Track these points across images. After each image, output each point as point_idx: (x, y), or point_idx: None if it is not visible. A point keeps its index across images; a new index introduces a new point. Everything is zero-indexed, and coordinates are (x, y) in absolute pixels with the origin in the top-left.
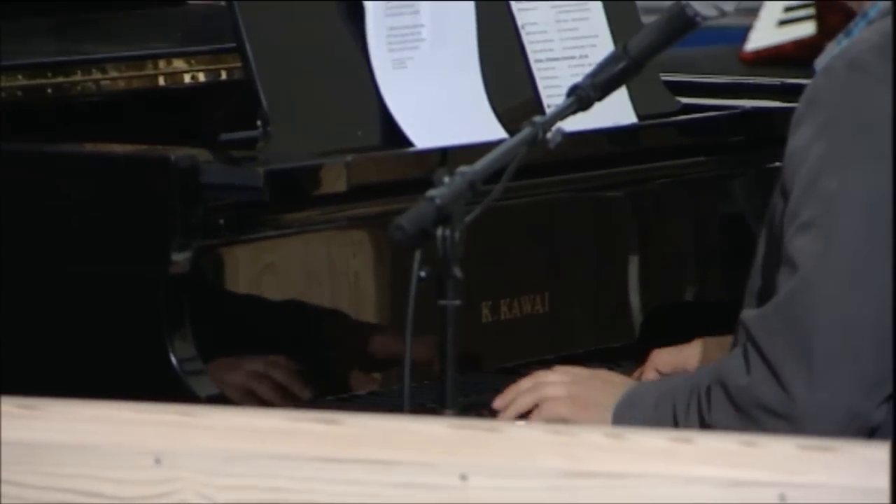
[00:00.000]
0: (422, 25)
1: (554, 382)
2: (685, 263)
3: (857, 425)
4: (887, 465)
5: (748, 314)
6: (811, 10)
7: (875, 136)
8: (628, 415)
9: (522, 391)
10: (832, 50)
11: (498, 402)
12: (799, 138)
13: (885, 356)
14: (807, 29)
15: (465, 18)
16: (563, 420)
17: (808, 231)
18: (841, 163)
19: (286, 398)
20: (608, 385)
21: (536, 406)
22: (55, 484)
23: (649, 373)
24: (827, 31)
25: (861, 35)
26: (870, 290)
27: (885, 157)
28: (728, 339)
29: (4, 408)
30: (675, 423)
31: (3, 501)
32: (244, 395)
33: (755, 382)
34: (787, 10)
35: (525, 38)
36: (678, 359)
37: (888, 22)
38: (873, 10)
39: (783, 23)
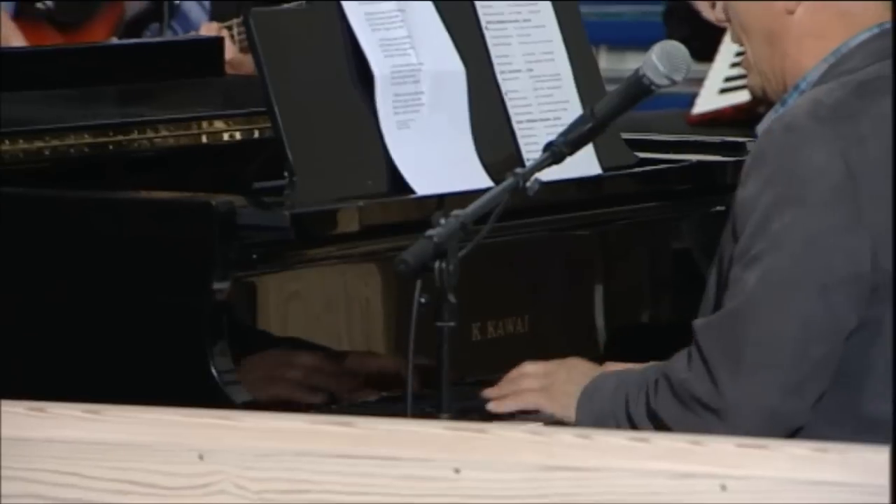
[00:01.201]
0: (422, 93)
1: (531, 375)
2: (641, 291)
3: (776, 423)
4: (811, 460)
5: (697, 322)
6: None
7: (810, 186)
8: (590, 401)
9: (508, 381)
10: (771, 116)
11: (491, 393)
12: (748, 190)
13: (804, 368)
14: (742, 96)
15: (458, 86)
16: (537, 408)
17: (756, 263)
18: (783, 208)
19: (308, 402)
20: (574, 374)
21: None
22: (117, 476)
23: None
24: (759, 98)
25: (795, 102)
26: (797, 313)
27: (819, 202)
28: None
29: (73, 412)
30: (627, 407)
31: (72, 493)
32: (273, 400)
33: (693, 378)
34: (727, 80)
35: (508, 103)
36: None
37: (818, 90)
38: (803, 83)
39: (723, 91)
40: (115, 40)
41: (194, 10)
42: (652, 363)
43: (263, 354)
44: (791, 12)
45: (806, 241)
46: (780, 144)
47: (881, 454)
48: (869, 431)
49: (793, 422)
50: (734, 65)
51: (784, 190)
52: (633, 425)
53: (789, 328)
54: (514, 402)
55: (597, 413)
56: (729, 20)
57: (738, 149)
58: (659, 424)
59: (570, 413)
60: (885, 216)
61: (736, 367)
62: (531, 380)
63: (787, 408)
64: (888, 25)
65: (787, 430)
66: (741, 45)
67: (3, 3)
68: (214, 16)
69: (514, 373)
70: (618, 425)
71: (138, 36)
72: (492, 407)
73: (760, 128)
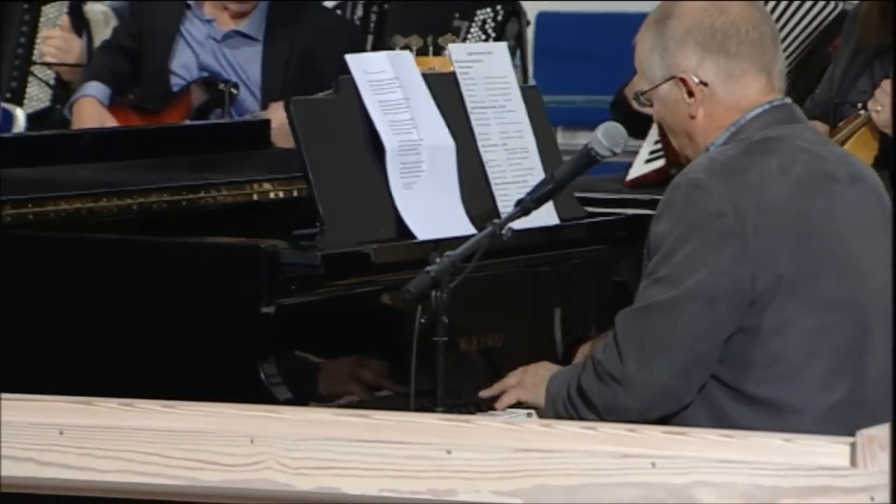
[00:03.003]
0: (422, 161)
1: (514, 374)
2: (589, 313)
3: (665, 397)
4: (721, 444)
5: (618, 315)
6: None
7: (706, 226)
8: (550, 387)
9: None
10: None
11: (486, 393)
12: (660, 227)
13: (690, 358)
14: (660, 163)
15: (449, 157)
16: (517, 399)
17: (662, 280)
18: (685, 243)
19: (335, 399)
20: (541, 370)
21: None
22: (187, 456)
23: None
24: (671, 163)
25: (696, 160)
26: (689, 317)
27: (712, 239)
28: None
29: (154, 407)
30: (568, 388)
31: (154, 468)
32: (309, 395)
33: (606, 357)
34: (651, 153)
35: (488, 170)
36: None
37: (717, 150)
38: (711, 147)
39: (648, 161)
40: (186, 122)
41: (248, 99)
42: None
43: (301, 363)
44: (694, 117)
45: (700, 267)
46: (684, 194)
47: (773, 439)
48: (757, 408)
49: (679, 398)
50: (657, 142)
51: (686, 229)
52: (570, 400)
53: (682, 328)
54: (503, 401)
55: (552, 395)
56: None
57: None
58: (584, 398)
59: (539, 397)
60: (766, 246)
61: (640, 350)
62: (511, 378)
63: (674, 386)
64: (777, 103)
65: (678, 404)
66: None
67: (99, 94)
68: (264, 103)
69: (502, 381)
70: (562, 403)
71: (205, 119)
72: (483, 394)
73: None
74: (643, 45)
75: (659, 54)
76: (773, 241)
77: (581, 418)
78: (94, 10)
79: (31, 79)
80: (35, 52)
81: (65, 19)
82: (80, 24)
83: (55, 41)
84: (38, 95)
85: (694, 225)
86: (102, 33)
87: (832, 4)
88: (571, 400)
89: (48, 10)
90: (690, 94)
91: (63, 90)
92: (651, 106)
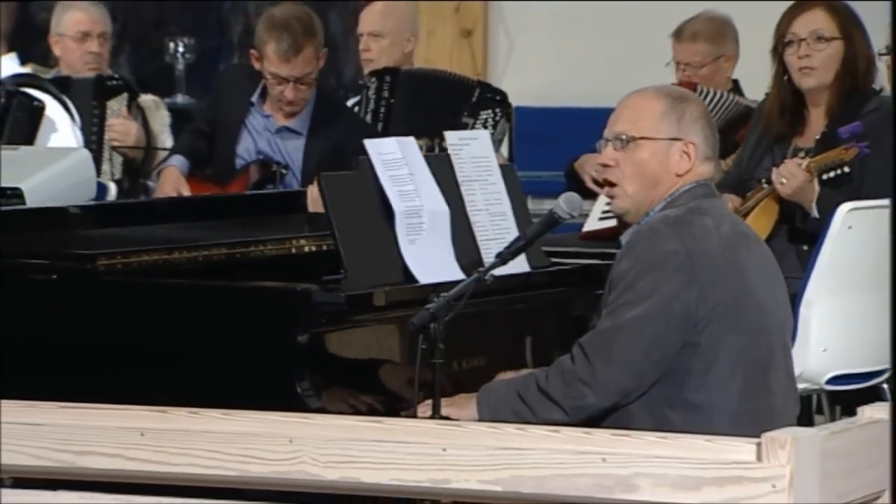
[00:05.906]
0: (423, 222)
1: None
2: (553, 341)
3: (624, 395)
4: (659, 443)
5: (588, 335)
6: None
7: (663, 263)
8: (487, 398)
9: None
10: (631, 230)
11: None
12: (622, 266)
13: (647, 364)
14: (612, 222)
15: (444, 219)
16: (447, 415)
17: (626, 305)
18: (646, 275)
19: (356, 408)
20: (467, 394)
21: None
22: (242, 452)
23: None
24: (622, 224)
25: (654, 216)
26: (647, 332)
27: (668, 272)
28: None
29: (215, 415)
30: (519, 395)
31: (215, 462)
32: (335, 405)
33: (577, 367)
34: (603, 212)
35: (474, 229)
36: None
37: (664, 212)
38: (651, 212)
39: (601, 218)
40: (246, 192)
41: (292, 181)
42: (528, 371)
43: (329, 379)
44: (680, 175)
45: (657, 293)
46: (645, 238)
47: (698, 440)
48: (692, 412)
49: (632, 395)
50: (608, 203)
51: (647, 265)
52: (526, 405)
53: (642, 340)
54: (426, 412)
55: (493, 405)
56: (616, 175)
57: (611, 257)
58: (549, 399)
59: (470, 412)
60: (707, 280)
61: (607, 359)
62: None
63: (632, 386)
64: (702, 181)
65: (629, 399)
66: (617, 182)
67: (180, 164)
68: (303, 184)
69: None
70: (511, 410)
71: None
72: (419, 413)
73: (624, 237)
74: (655, 105)
75: (676, 118)
76: (712, 277)
77: (540, 418)
78: (146, 100)
79: (106, 157)
80: (105, 137)
81: (123, 109)
82: (136, 111)
83: (117, 128)
84: (110, 170)
85: (652, 262)
86: (154, 116)
87: (735, 102)
88: (528, 403)
89: (111, 104)
90: (686, 157)
91: (129, 164)
92: (620, 144)
